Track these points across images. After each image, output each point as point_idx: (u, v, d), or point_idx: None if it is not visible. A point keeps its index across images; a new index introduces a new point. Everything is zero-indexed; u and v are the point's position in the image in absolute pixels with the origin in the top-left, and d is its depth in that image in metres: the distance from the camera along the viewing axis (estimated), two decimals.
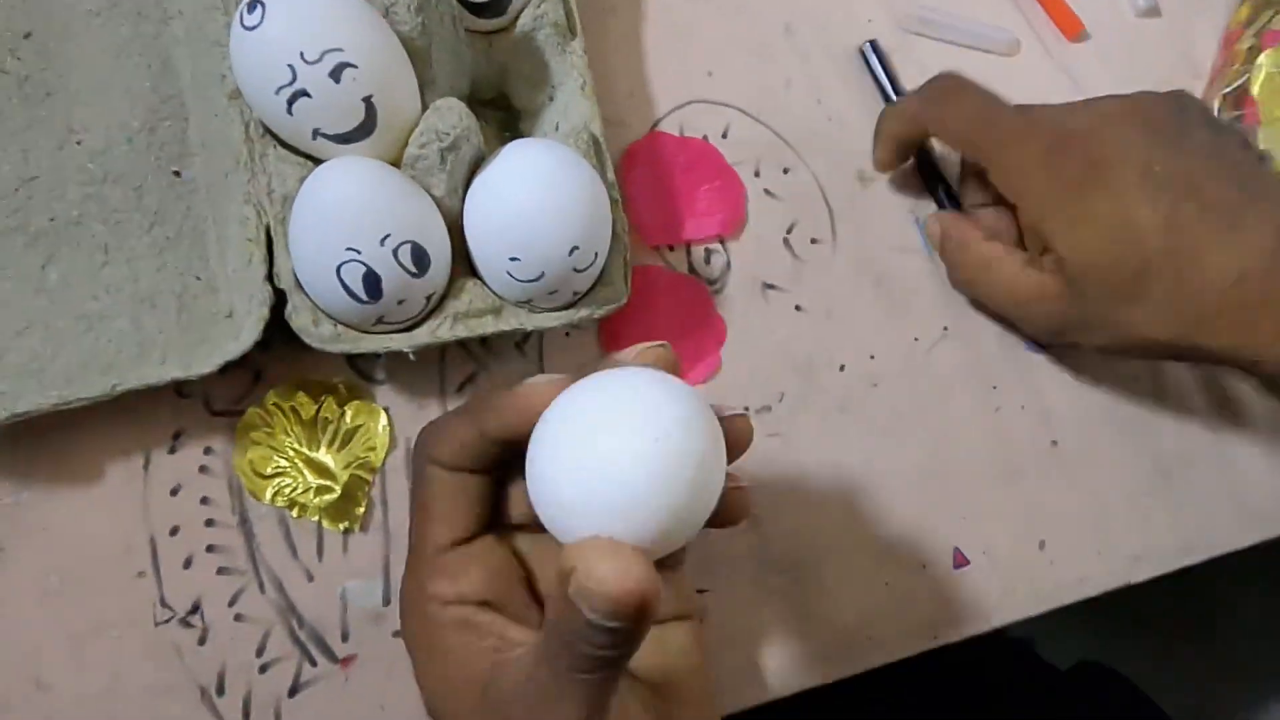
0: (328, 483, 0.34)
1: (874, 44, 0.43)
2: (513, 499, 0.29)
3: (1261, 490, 0.43)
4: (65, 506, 0.33)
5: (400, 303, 0.32)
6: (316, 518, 0.34)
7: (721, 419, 0.26)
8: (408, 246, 0.31)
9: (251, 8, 0.29)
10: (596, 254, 0.33)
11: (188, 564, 0.33)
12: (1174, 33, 0.48)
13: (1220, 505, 0.42)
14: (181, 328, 0.34)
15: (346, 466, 0.34)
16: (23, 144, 0.34)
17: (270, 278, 0.32)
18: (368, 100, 0.31)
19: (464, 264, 0.34)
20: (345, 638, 0.33)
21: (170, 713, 0.32)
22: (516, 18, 0.37)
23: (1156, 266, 0.33)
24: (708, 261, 0.40)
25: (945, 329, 0.42)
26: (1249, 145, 0.43)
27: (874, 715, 0.47)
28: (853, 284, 0.41)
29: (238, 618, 0.33)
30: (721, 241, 0.41)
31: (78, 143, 0.35)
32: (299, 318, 0.32)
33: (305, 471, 0.34)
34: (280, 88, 0.30)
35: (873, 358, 0.41)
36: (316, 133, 0.31)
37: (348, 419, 0.35)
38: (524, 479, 0.25)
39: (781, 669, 0.37)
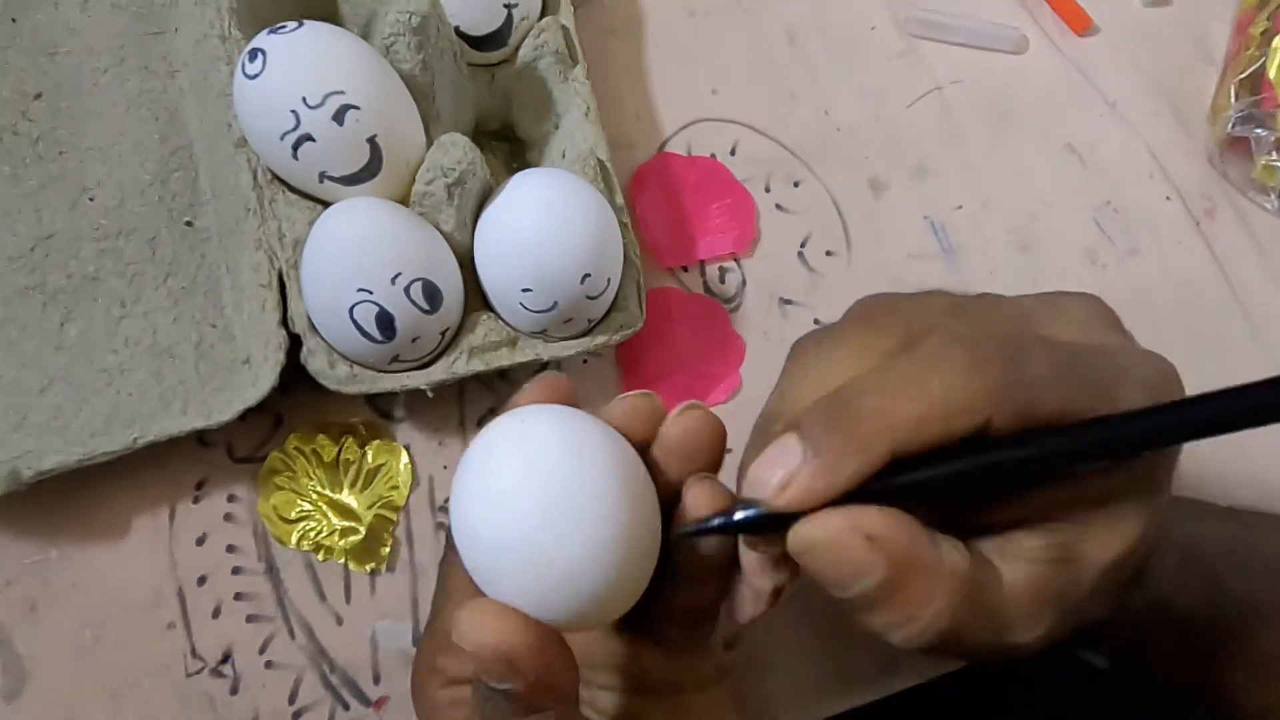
0: (352, 524, 0.34)
1: None
2: None
3: None
4: (94, 561, 0.33)
5: (415, 340, 0.32)
6: (343, 560, 0.34)
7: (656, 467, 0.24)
8: (419, 284, 0.31)
9: (253, 56, 0.30)
10: (609, 280, 0.33)
11: (216, 613, 0.33)
12: (1184, 21, 0.48)
13: None
14: (201, 377, 0.34)
15: (370, 507, 0.34)
16: (37, 204, 0.35)
17: (285, 322, 0.32)
18: (372, 140, 0.31)
19: (477, 297, 0.34)
20: (377, 680, 0.33)
21: None
22: (517, 49, 0.37)
23: None
24: (723, 280, 0.40)
25: None
26: None
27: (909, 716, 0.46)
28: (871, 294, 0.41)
29: (269, 665, 0.33)
30: (735, 259, 0.40)
31: (91, 199, 0.35)
32: (315, 361, 0.32)
33: (329, 514, 0.34)
34: (285, 133, 0.30)
35: None
36: (323, 175, 0.31)
37: (369, 459, 0.35)
38: None
39: (821, 690, 0.36)
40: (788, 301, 0.40)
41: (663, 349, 0.39)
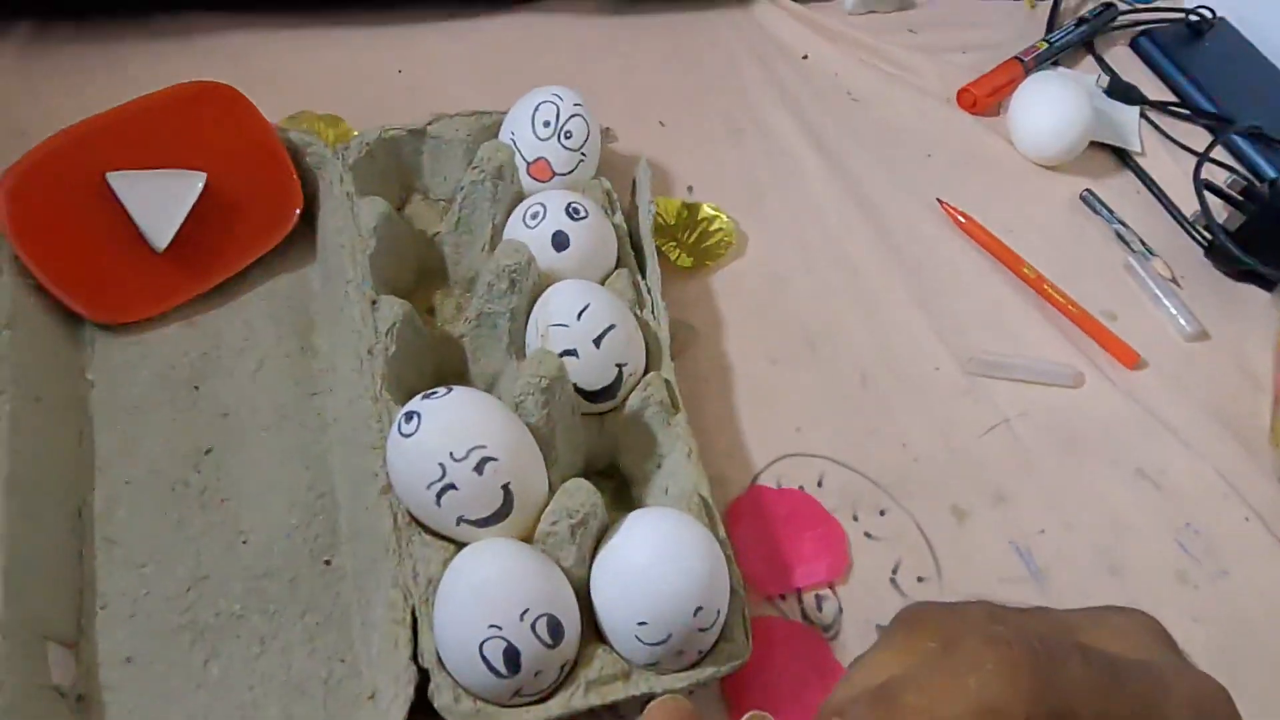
0: None
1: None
2: None
3: None
4: None
5: (537, 674, 0.33)
6: None
7: None
8: (545, 619, 0.33)
9: (409, 418, 0.34)
10: (719, 611, 0.35)
11: None
12: (1226, 352, 0.52)
13: None
14: (328, 713, 0.35)
15: None
16: (197, 548, 0.38)
17: (414, 657, 0.34)
18: (505, 487, 0.34)
19: (591, 630, 0.36)
20: None
21: None
22: (625, 400, 0.41)
23: None
24: (820, 608, 0.41)
25: None
26: None
27: None
28: None
29: None
30: (831, 587, 0.42)
31: (244, 543, 0.39)
32: (442, 696, 0.33)
33: None
34: (431, 483, 0.34)
35: None
36: (460, 519, 0.34)
37: None
38: None
39: None
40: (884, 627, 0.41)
41: (765, 679, 0.39)
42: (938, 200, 0.56)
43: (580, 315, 0.40)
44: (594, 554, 0.36)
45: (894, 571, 0.43)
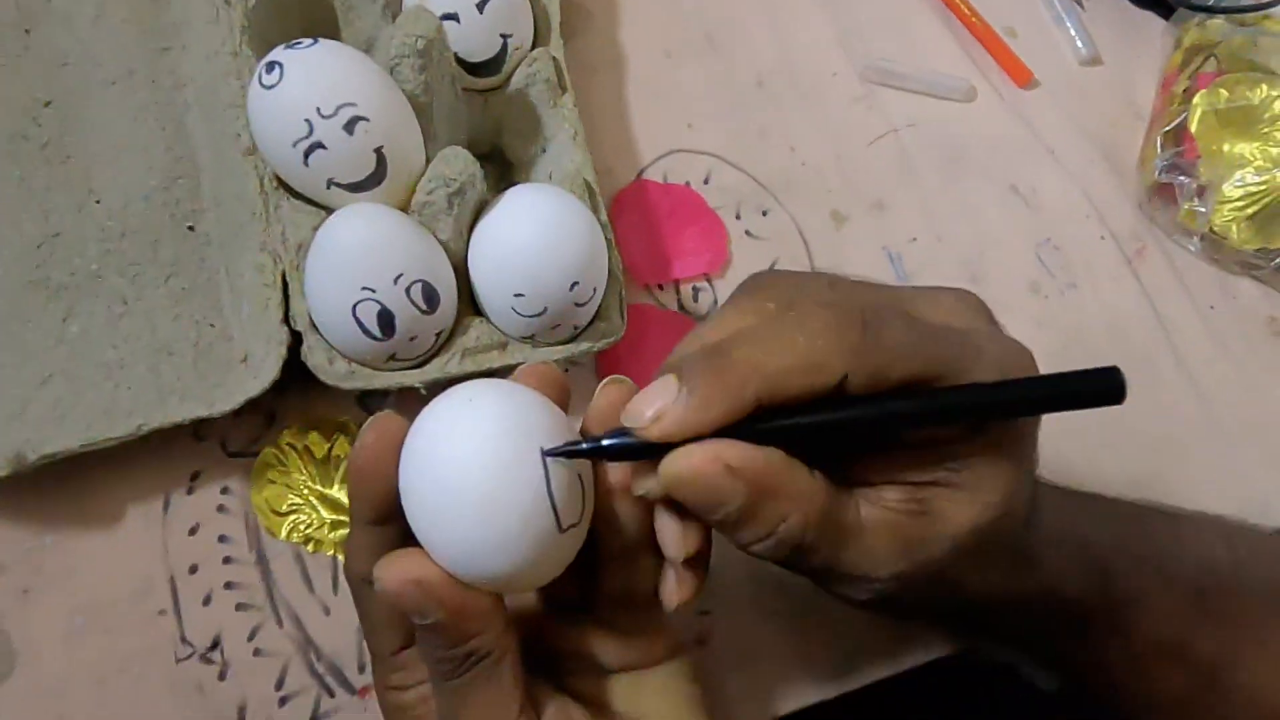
0: (341, 517, 0.35)
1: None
2: None
3: None
4: (88, 549, 0.33)
5: (412, 339, 0.33)
6: (332, 552, 0.35)
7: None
8: (419, 285, 0.33)
9: (270, 68, 0.32)
10: (595, 289, 0.35)
11: (207, 601, 0.34)
12: (1116, 79, 0.52)
13: None
14: (199, 374, 0.35)
15: None
16: (44, 204, 0.36)
17: (286, 320, 0.34)
18: (379, 151, 0.33)
19: (469, 304, 0.36)
20: (362, 669, 0.34)
21: None
22: (510, 76, 0.39)
23: None
24: (695, 299, 0.42)
25: None
26: None
27: None
28: None
29: (257, 652, 0.34)
30: (708, 279, 0.43)
31: (97, 202, 0.36)
32: (315, 357, 0.33)
33: (320, 508, 0.35)
34: (297, 141, 0.32)
35: None
36: (331, 182, 0.33)
37: None
38: None
39: (787, 687, 0.38)
40: None
41: (638, 361, 0.41)
42: None
43: None
44: (472, 229, 0.35)
45: (770, 268, 0.44)
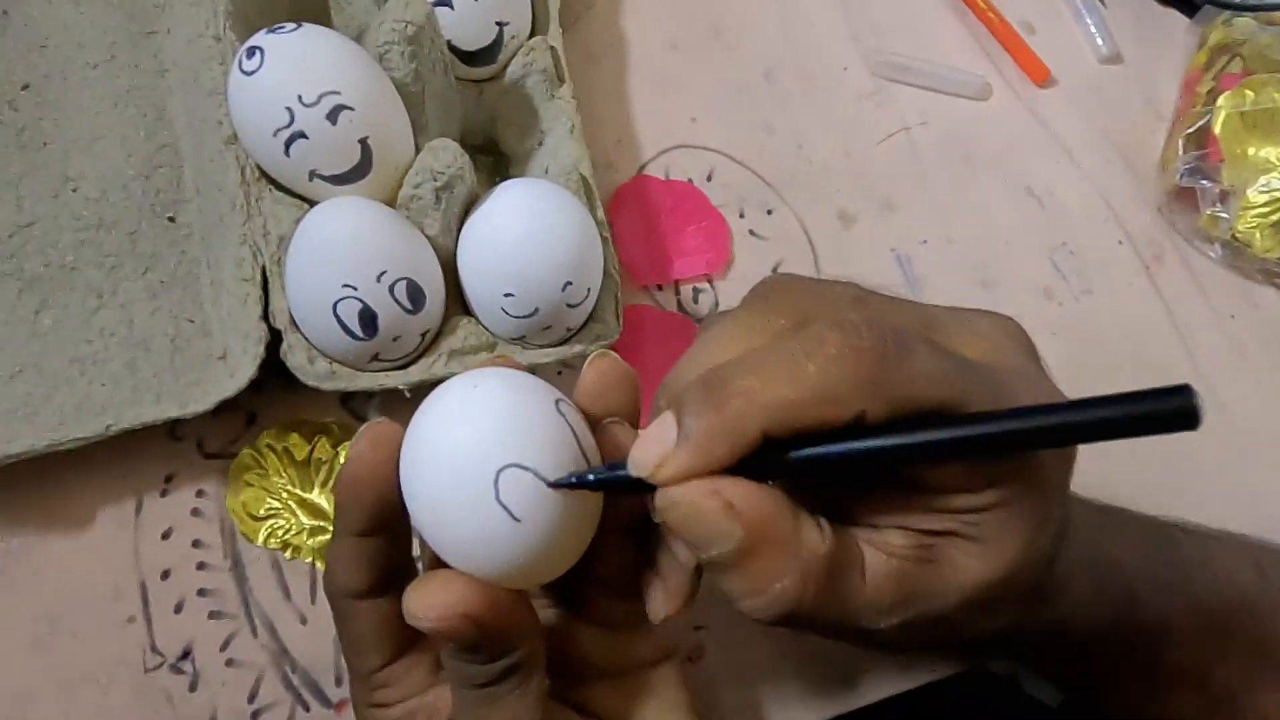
0: (321, 524, 0.34)
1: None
2: None
3: None
4: (56, 551, 0.32)
5: (395, 339, 0.32)
6: (310, 559, 0.34)
7: (596, 427, 0.25)
8: (403, 283, 0.31)
9: (250, 54, 0.30)
10: (589, 289, 0.34)
11: (179, 608, 0.32)
12: (1136, 77, 0.50)
13: None
14: (175, 371, 0.34)
15: None
16: (19, 191, 0.34)
17: (266, 317, 0.32)
18: (364, 142, 0.31)
19: (457, 303, 0.35)
20: (339, 681, 0.33)
21: None
22: (506, 66, 0.38)
23: None
24: (696, 300, 0.41)
25: None
26: None
27: None
28: None
29: (229, 663, 0.32)
30: (709, 280, 0.41)
31: (73, 190, 0.35)
32: (294, 356, 0.32)
33: (299, 513, 0.34)
34: (278, 130, 0.30)
35: None
36: (313, 174, 0.32)
37: (341, 459, 0.35)
38: None
39: (778, 707, 0.36)
40: None
41: (635, 364, 0.39)
42: None
43: None
44: (462, 225, 0.34)
45: (774, 269, 0.42)
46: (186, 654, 0.32)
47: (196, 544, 0.33)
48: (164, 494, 0.33)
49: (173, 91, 0.37)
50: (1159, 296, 0.46)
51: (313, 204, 0.32)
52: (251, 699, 0.32)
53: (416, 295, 0.32)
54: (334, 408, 0.36)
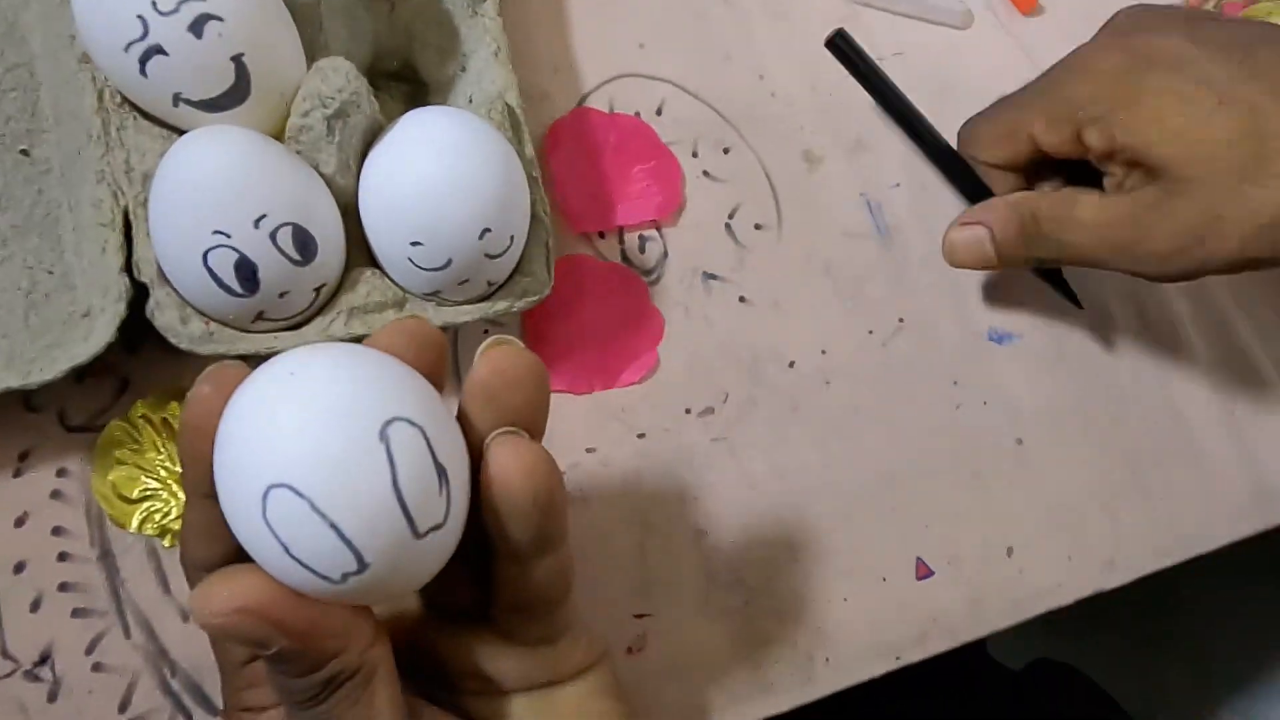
0: None
1: (842, 34, 0.38)
2: None
3: (1232, 487, 0.40)
4: None
5: (283, 295, 0.27)
6: None
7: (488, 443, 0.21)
8: (288, 229, 0.26)
9: None
10: (512, 238, 0.29)
11: (35, 606, 0.28)
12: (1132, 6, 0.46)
13: (1191, 504, 0.40)
14: (30, 330, 0.29)
15: None
16: None
17: (129, 269, 0.28)
18: (238, 60, 0.26)
19: (362, 253, 0.30)
20: None
21: None
22: None
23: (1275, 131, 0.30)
24: (642, 250, 0.37)
25: (901, 320, 0.38)
26: None
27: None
28: (801, 273, 0.38)
29: (97, 667, 0.28)
30: (657, 228, 0.37)
31: None
32: (163, 315, 0.27)
33: (179, 494, 0.30)
34: (130, 44, 0.25)
35: (824, 353, 0.37)
36: (178, 98, 0.27)
37: None
38: None
39: (732, 700, 0.33)
40: (712, 276, 0.37)
41: (573, 321, 0.35)
42: None
43: None
44: (363, 160, 0.29)
45: (730, 216, 0.38)
46: (45, 659, 0.28)
47: (57, 531, 0.29)
48: (17, 474, 0.29)
49: (26, 3, 0.31)
50: None
51: (184, 135, 0.27)
52: (123, 708, 0.28)
53: (306, 243, 0.27)
54: None
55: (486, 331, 0.34)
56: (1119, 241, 0.33)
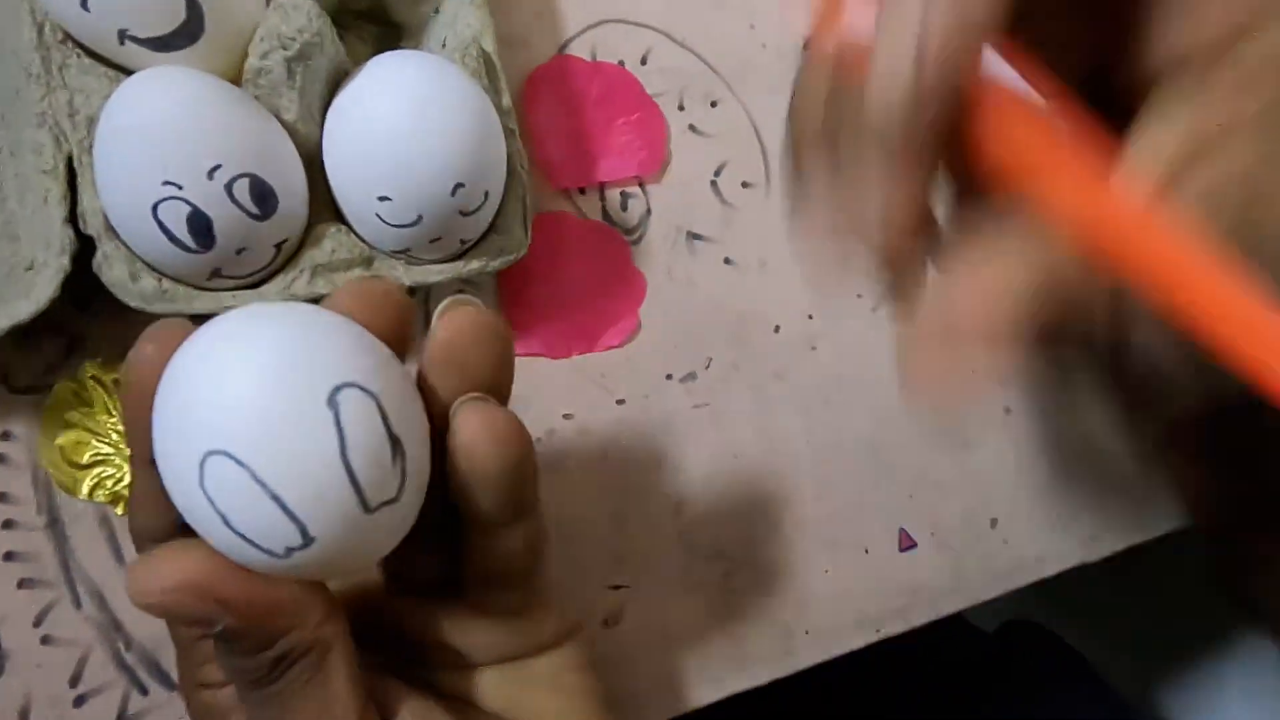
0: None
1: None
2: None
3: None
4: None
5: (240, 252, 0.26)
6: None
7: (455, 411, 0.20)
8: (245, 181, 0.25)
9: None
10: (487, 194, 0.28)
11: None
12: None
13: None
14: None
15: None
16: None
17: (74, 220, 0.26)
18: None
19: (327, 207, 0.28)
20: None
21: None
22: None
23: None
24: (624, 208, 0.35)
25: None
26: None
27: (792, 690, 0.43)
28: (789, 234, 0.36)
29: (46, 640, 0.27)
30: (640, 184, 0.35)
31: None
32: (112, 270, 0.26)
33: None
34: None
35: (811, 318, 0.36)
36: (124, 35, 0.25)
37: None
38: None
39: (710, 673, 0.32)
40: (696, 236, 0.35)
41: (551, 282, 0.33)
42: None
43: None
44: (328, 106, 0.27)
45: (717, 173, 0.36)
46: None
47: (2, 498, 0.27)
48: None
49: None
50: None
51: (131, 76, 0.25)
52: (75, 682, 0.27)
53: (265, 196, 0.25)
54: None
55: (461, 290, 0.32)
56: None
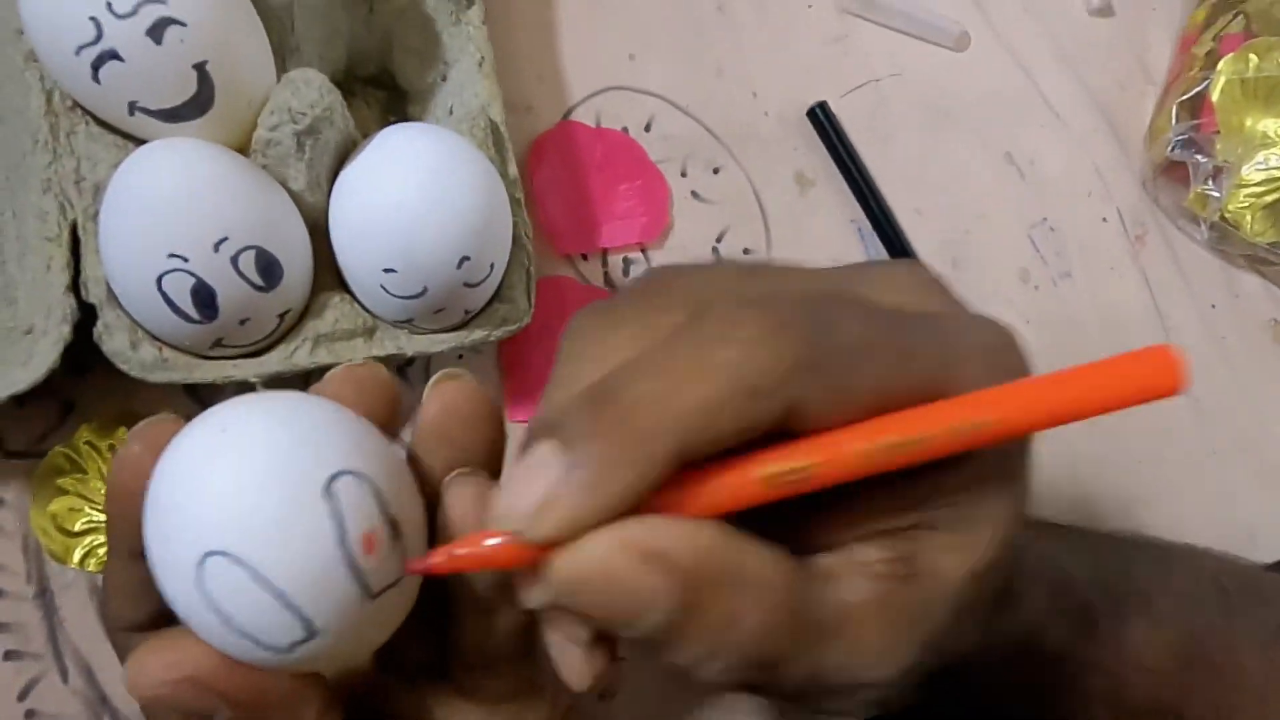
0: None
1: (823, 107, 0.38)
2: None
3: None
4: None
5: (244, 323, 0.25)
6: None
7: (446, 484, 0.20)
8: (250, 253, 0.24)
9: None
10: (493, 265, 0.28)
11: None
12: (1127, 33, 0.45)
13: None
14: None
15: None
16: None
17: (77, 288, 0.26)
18: (200, 68, 0.24)
19: (331, 275, 0.28)
20: None
21: None
22: None
23: None
24: (626, 273, 0.35)
25: None
26: None
27: None
28: None
29: (30, 715, 0.26)
30: (643, 250, 0.35)
31: None
32: (112, 340, 0.25)
33: None
34: (81, 47, 0.23)
35: None
36: (134, 107, 0.25)
37: None
38: None
39: None
40: None
41: (552, 349, 0.33)
42: None
43: None
44: (335, 178, 0.27)
45: (718, 239, 0.36)
46: None
47: None
48: None
49: None
50: (1144, 282, 0.41)
51: (141, 144, 0.25)
52: None
53: (270, 268, 0.25)
54: (178, 395, 0.29)
55: (461, 357, 0.32)
56: None
